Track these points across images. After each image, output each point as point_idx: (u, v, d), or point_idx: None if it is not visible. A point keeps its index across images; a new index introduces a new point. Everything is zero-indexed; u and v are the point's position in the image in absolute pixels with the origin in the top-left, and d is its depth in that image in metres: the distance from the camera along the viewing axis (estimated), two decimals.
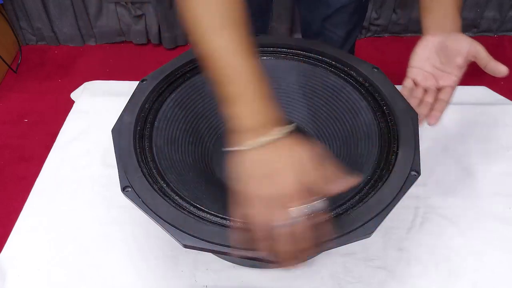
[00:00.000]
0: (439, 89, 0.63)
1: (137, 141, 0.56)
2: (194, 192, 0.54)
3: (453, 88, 0.62)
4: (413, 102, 0.62)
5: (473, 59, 0.60)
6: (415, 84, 0.65)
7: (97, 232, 0.68)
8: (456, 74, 0.61)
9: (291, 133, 0.41)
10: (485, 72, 0.60)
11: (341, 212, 0.50)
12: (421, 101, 0.63)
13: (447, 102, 0.61)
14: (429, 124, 0.61)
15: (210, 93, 0.67)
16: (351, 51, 1.02)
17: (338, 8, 0.88)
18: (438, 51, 0.63)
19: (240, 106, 0.41)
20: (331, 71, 0.66)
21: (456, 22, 0.63)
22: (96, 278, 0.63)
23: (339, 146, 0.63)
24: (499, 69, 0.58)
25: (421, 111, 0.62)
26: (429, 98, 0.62)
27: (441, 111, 0.61)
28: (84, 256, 0.65)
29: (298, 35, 1.85)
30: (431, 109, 0.62)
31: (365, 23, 1.86)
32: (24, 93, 1.71)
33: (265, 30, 0.99)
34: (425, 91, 0.64)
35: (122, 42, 1.91)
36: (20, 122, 1.60)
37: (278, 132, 0.41)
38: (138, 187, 0.51)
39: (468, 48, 0.60)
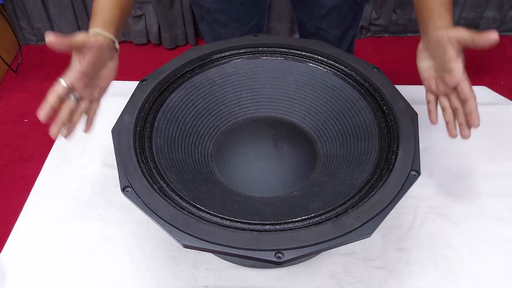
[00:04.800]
0: (455, 89, 0.58)
1: (137, 141, 0.56)
2: (194, 192, 0.55)
3: (465, 82, 0.57)
4: (448, 114, 0.59)
5: (460, 44, 0.56)
6: (435, 94, 0.61)
7: (97, 232, 0.68)
8: (456, 67, 0.57)
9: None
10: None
11: (341, 212, 0.50)
12: (453, 110, 0.59)
13: (472, 98, 0.56)
14: (473, 126, 0.56)
15: (210, 93, 0.67)
16: (350, 50, 1.02)
17: (331, 8, 0.88)
18: (429, 54, 0.61)
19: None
20: (331, 71, 0.66)
21: (439, 20, 0.59)
22: (96, 278, 0.63)
23: (339, 146, 0.63)
24: (488, 37, 0.53)
25: (459, 120, 0.58)
26: (455, 103, 0.58)
27: (475, 110, 0.56)
28: (84, 256, 0.65)
29: (298, 35, 1.85)
30: (464, 113, 0.57)
31: (365, 23, 1.86)
32: (24, 93, 1.71)
33: (260, 29, 0.99)
34: (447, 96, 0.60)
35: (122, 42, 1.91)
36: (20, 122, 1.60)
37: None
38: (138, 187, 0.51)
39: (447, 37, 0.56)
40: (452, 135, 0.59)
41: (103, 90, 0.60)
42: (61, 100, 0.54)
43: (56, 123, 0.54)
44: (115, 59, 0.61)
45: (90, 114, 0.59)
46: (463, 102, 0.57)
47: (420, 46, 0.62)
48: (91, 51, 0.55)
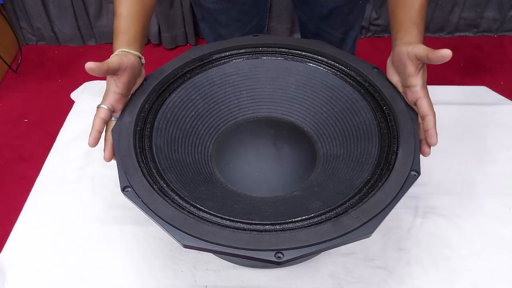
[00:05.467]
0: (415, 104, 0.57)
1: (137, 141, 0.56)
2: (194, 192, 0.55)
3: (424, 98, 0.56)
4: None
5: (418, 60, 0.55)
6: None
7: (97, 232, 0.68)
8: (416, 83, 0.56)
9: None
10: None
11: (341, 212, 0.50)
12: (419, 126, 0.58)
13: (431, 115, 0.55)
14: (431, 145, 0.55)
15: (210, 93, 0.67)
16: (351, 51, 1.02)
17: (333, 9, 0.88)
18: (396, 70, 0.60)
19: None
20: (331, 71, 0.66)
21: (404, 34, 0.58)
22: (96, 278, 0.63)
23: (339, 146, 0.63)
24: (441, 53, 0.52)
25: (420, 136, 0.57)
26: (419, 119, 0.57)
27: (432, 127, 0.55)
28: (84, 256, 0.65)
29: (298, 35, 1.85)
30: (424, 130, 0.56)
31: (365, 23, 1.86)
32: (24, 93, 1.71)
33: (261, 30, 0.99)
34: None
35: None
36: (20, 122, 1.60)
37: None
38: (138, 187, 0.51)
39: (407, 54, 0.56)
40: (424, 154, 0.57)
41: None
42: (104, 123, 0.57)
43: (104, 143, 0.57)
44: (143, 74, 0.62)
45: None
46: (422, 118, 0.56)
47: (388, 61, 0.61)
48: (126, 72, 0.57)
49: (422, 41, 0.58)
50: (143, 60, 0.62)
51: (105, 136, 0.57)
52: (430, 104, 0.56)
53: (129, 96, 0.60)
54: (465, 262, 0.63)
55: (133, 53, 0.59)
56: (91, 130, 0.55)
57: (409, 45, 0.56)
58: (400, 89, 0.60)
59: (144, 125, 0.59)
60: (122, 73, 0.57)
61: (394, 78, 0.61)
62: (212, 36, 0.94)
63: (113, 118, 0.58)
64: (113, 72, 0.55)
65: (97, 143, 0.55)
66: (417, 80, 0.56)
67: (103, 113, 0.56)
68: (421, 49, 0.54)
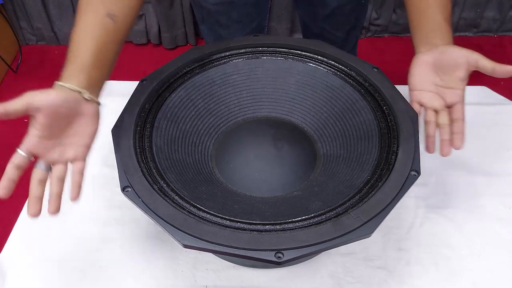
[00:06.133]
0: (448, 107, 0.59)
1: (137, 141, 0.56)
2: (194, 192, 0.55)
3: (462, 103, 0.58)
4: (431, 128, 0.59)
5: (475, 69, 0.58)
6: (424, 107, 0.61)
7: (97, 232, 0.68)
8: (461, 87, 0.59)
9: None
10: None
11: (341, 212, 0.50)
12: (437, 125, 0.59)
13: (463, 120, 0.58)
14: (456, 148, 0.57)
15: (210, 93, 0.67)
16: (353, 52, 1.02)
17: (335, 8, 0.88)
18: (435, 68, 0.60)
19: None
20: (331, 71, 0.66)
21: (445, 34, 0.60)
22: (96, 278, 0.63)
23: (339, 146, 0.63)
24: (507, 69, 0.56)
25: (443, 136, 0.58)
26: (444, 120, 0.58)
27: (463, 132, 0.57)
28: (84, 256, 0.65)
29: (298, 35, 1.85)
30: (452, 132, 0.58)
31: (365, 23, 1.86)
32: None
33: (261, 31, 0.98)
34: (436, 112, 0.60)
35: None
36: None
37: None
38: (138, 187, 0.51)
39: (466, 59, 0.58)
40: (430, 150, 0.59)
41: (82, 147, 0.53)
42: (21, 170, 0.48)
43: (30, 200, 0.48)
44: (88, 111, 0.52)
45: (74, 177, 0.52)
46: (454, 121, 0.58)
47: (426, 58, 0.60)
48: (41, 112, 0.48)
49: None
50: (86, 95, 0.51)
51: (50, 184, 0.50)
52: (464, 111, 0.58)
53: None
54: (465, 262, 0.63)
55: (66, 86, 0.50)
56: (3, 177, 0.46)
57: (468, 52, 0.58)
58: (431, 88, 0.60)
59: (144, 125, 0.59)
60: (36, 113, 0.48)
61: (427, 76, 0.60)
62: (212, 37, 0.94)
63: (38, 167, 0.49)
64: (16, 114, 0.47)
65: (9, 193, 0.47)
66: (463, 85, 0.59)
67: (18, 160, 0.47)
68: (486, 61, 0.57)
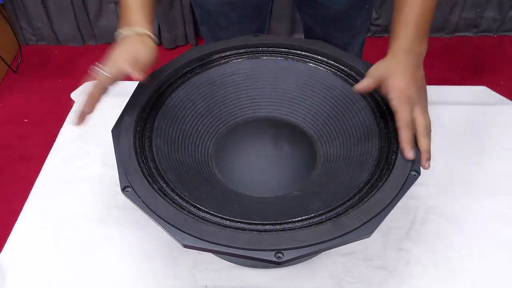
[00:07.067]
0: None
1: (137, 141, 0.56)
2: (194, 192, 0.54)
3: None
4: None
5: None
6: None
7: (97, 232, 0.68)
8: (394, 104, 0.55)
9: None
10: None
11: (341, 212, 0.50)
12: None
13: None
14: (424, 168, 0.54)
15: (210, 93, 0.67)
16: (358, 56, 1.01)
17: (339, 12, 0.87)
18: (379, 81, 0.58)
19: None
20: (331, 71, 0.66)
21: (405, 36, 0.58)
22: (96, 278, 0.63)
23: (339, 146, 0.63)
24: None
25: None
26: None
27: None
28: (84, 256, 0.65)
29: (298, 35, 1.85)
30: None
31: None
32: (24, 93, 1.71)
33: (262, 32, 0.98)
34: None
35: None
36: (20, 122, 1.60)
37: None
38: (138, 187, 0.51)
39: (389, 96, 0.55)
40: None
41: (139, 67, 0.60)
42: (105, 92, 0.58)
43: (88, 102, 0.57)
44: (153, 45, 0.61)
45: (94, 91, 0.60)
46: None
47: (377, 68, 0.59)
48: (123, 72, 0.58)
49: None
50: (153, 36, 0.61)
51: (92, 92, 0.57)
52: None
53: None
54: (465, 262, 0.63)
55: (146, 34, 0.60)
56: (87, 98, 0.56)
57: (396, 91, 0.55)
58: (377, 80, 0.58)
59: (144, 125, 0.59)
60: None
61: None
62: (211, 39, 0.93)
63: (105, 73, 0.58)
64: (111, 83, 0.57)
65: (92, 112, 0.56)
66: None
67: (104, 80, 0.57)
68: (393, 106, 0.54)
